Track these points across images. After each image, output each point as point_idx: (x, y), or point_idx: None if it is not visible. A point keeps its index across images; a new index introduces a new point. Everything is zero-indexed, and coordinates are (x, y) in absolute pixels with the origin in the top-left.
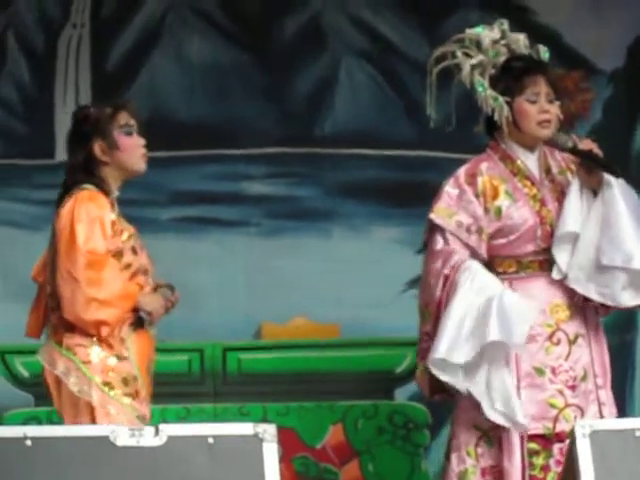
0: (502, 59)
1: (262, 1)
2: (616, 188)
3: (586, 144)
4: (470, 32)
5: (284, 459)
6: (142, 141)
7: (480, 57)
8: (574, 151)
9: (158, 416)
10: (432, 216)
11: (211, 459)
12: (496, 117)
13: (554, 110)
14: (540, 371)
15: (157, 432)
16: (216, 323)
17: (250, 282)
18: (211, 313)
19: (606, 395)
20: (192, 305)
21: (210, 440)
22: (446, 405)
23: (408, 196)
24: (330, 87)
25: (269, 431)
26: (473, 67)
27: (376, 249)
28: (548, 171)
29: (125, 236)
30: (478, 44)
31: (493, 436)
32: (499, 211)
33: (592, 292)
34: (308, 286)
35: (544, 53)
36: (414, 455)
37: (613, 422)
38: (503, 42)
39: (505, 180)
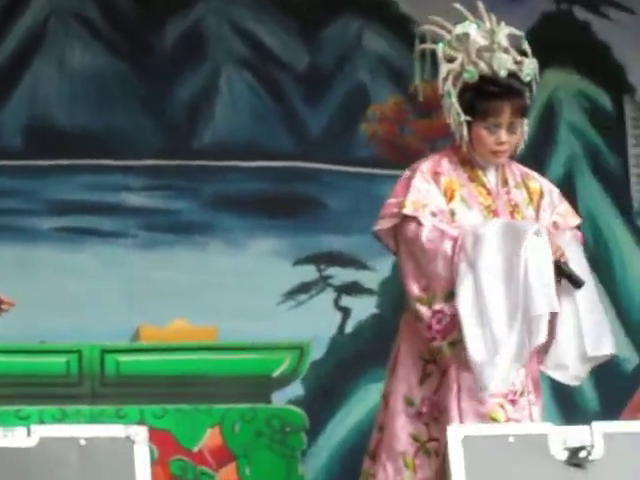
0: (479, 68)
1: (143, 9)
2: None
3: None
4: (463, 29)
5: (160, 461)
6: None
7: (459, 61)
8: None
9: (36, 417)
10: (406, 210)
11: (83, 461)
12: (453, 130)
13: (513, 141)
14: None
15: (29, 433)
16: (95, 329)
17: (128, 292)
18: (90, 320)
19: (538, 412)
20: (71, 314)
21: (82, 442)
22: (324, 409)
23: (285, 208)
24: (210, 97)
25: (141, 433)
26: (449, 72)
27: (253, 261)
28: (505, 183)
29: None
30: (464, 40)
31: (431, 448)
32: (452, 214)
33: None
34: (185, 297)
35: (526, 75)
36: (291, 458)
37: (486, 428)
38: (486, 56)
39: (462, 185)
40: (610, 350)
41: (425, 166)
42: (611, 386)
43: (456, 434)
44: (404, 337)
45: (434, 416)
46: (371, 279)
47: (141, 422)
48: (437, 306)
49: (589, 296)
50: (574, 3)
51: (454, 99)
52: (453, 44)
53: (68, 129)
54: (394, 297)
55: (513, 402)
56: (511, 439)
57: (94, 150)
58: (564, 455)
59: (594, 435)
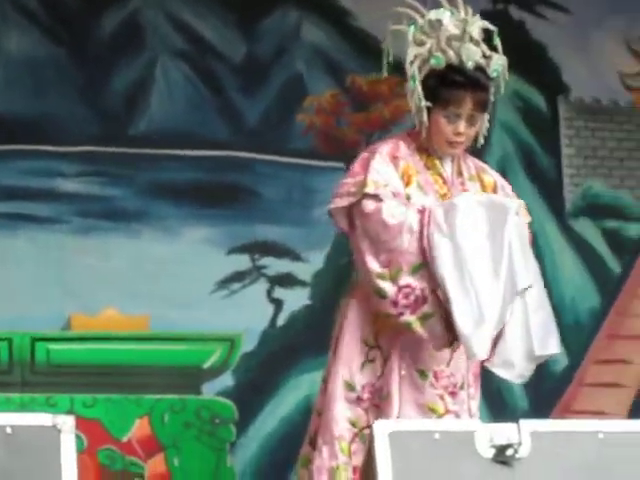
0: (447, 55)
1: None
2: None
3: None
4: (437, 15)
5: (89, 451)
6: None
7: (428, 46)
8: None
9: None
10: (367, 189)
11: (8, 449)
12: (413, 115)
13: (470, 133)
14: (423, 374)
15: None
16: (27, 316)
17: (61, 279)
18: (22, 307)
19: (476, 407)
20: (3, 300)
21: (8, 430)
22: (254, 401)
23: (220, 197)
24: (146, 86)
25: (67, 422)
26: (416, 56)
27: (187, 250)
28: (460, 174)
29: None
30: (437, 26)
31: (368, 434)
32: (408, 198)
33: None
34: (118, 284)
35: (493, 71)
36: (220, 450)
37: (412, 423)
38: (456, 45)
39: (418, 172)
40: (556, 349)
41: (384, 149)
42: (541, 386)
43: (382, 429)
44: (348, 321)
45: (374, 403)
46: (304, 270)
47: (71, 411)
48: (403, 281)
49: (538, 294)
50: (509, 2)
51: (417, 84)
52: (424, 29)
53: (3, 115)
54: (327, 289)
55: (453, 394)
56: (437, 435)
57: (29, 136)
58: (491, 453)
59: (521, 433)
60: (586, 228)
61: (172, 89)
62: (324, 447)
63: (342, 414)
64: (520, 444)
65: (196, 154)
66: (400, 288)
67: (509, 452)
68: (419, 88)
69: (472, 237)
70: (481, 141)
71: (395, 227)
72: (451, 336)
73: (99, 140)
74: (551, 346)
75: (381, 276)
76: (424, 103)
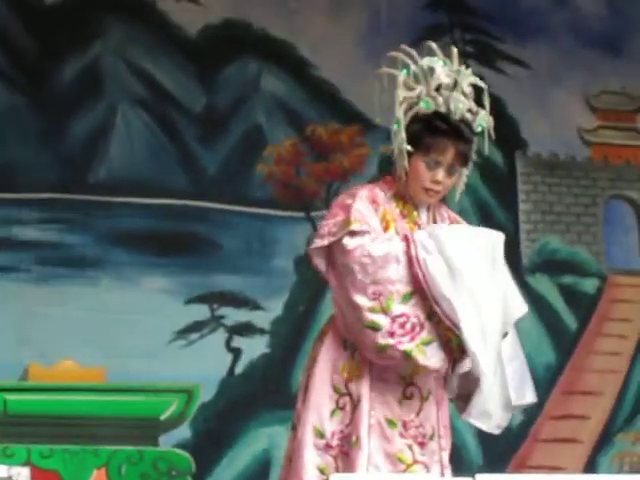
0: (436, 102)
1: (42, 45)
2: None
3: None
4: (430, 62)
5: None
6: None
7: (417, 91)
8: None
9: None
10: (353, 227)
11: None
12: (394, 158)
13: (447, 183)
14: (392, 423)
15: None
16: None
17: (19, 328)
18: None
19: (447, 458)
20: None
21: None
22: (211, 452)
23: (178, 246)
24: (106, 133)
25: (23, 473)
26: (404, 99)
27: (144, 298)
28: (435, 223)
29: None
30: (429, 73)
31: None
32: None
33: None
34: (76, 334)
35: (478, 126)
36: None
37: (364, 477)
38: (446, 94)
39: (395, 219)
40: (532, 398)
41: (363, 193)
42: (496, 442)
43: None
44: (318, 367)
45: (343, 450)
46: (263, 319)
47: (28, 462)
48: (397, 311)
49: (512, 343)
50: (469, 57)
51: (402, 127)
52: (416, 74)
53: None
54: (285, 337)
55: (422, 445)
56: None
57: None
58: None
59: None
60: (543, 283)
61: (132, 137)
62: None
63: (311, 461)
64: None
65: (155, 202)
66: (394, 318)
67: None
68: (403, 131)
69: (462, 248)
70: (457, 197)
71: (382, 258)
72: (452, 360)
73: (58, 187)
74: (528, 395)
75: (372, 309)
76: (406, 146)
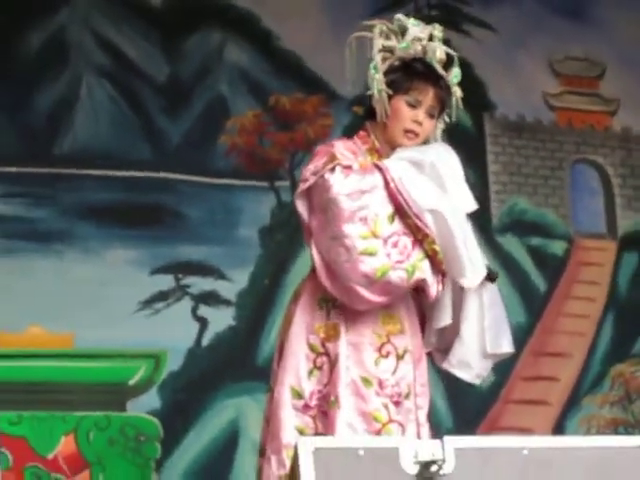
0: (414, 48)
1: (5, 14)
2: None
3: None
4: (403, 18)
5: (15, 468)
6: None
7: (394, 43)
8: None
9: None
10: (338, 161)
11: None
12: (374, 104)
13: (428, 126)
14: (367, 382)
15: None
16: None
17: None
18: None
19: (424, 416)
20: None
21: None
22: (179, 421)
23: (143, 218)
24: (70, 105)
25: None
26: (381, 48)
27: (110, 270)
28: None
29: None
30: (402, 31)
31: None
32: None
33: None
34: (42, 304)
35: (454, 77)
36: (144, 467)
37: (336, 440)
38: (423, 43)
39: None
40: (509, 348)
41: (342, 142)
42: (465, 404)
43: (306, 446)
44: (293, 328)
45: (322, 409)
46: (229, 290)
47: None
48: (387, 232)
49: (492, 291)
50: (434, 21)
51: (380, 73)
52: (391, 27)
53: None
54: (251, 309)
55: (397, 404)
56: (361, 452)
57: None
58: (415, 469)
59: (445, 449)
60: (512, 244)
61: (96, 108)
62: (272, 456)
63: (289, 422)
64: (444, 461)
65: (119, 174)
66: (386, 240)
67: (433, 468)
68: (381, 76)
69: (418, 149)
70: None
71: (365, 183)
72: (443, 277)
73: (23, 160)
74: (504, 345)
75: (364, 236)
76: (385, 89)
